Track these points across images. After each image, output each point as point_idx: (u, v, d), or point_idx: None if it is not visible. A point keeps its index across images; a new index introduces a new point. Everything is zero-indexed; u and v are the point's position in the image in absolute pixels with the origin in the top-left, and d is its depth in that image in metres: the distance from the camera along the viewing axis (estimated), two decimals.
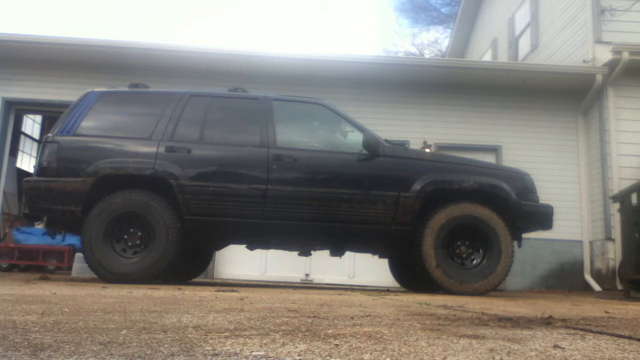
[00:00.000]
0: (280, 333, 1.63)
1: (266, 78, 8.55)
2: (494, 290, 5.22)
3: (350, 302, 3.22)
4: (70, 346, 1.29)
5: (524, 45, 11.51)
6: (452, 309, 2.89)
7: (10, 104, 8.77)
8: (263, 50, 8.64)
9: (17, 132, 12.45)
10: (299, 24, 53.46)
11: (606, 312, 3.11)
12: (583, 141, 8.71)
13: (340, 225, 4.88)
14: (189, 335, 1.52)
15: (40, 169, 4.86)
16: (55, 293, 3.14)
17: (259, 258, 8.26)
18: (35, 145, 13.84)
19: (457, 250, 4.99)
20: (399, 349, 1.39)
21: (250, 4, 52.01)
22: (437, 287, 4.86)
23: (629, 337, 1.79)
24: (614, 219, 7.53)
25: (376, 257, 5.91)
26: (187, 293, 3.52)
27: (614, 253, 7.78)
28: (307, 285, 7.66)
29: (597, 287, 7.96)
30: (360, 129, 5.12)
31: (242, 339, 1.49)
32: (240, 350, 1.30)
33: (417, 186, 4.87)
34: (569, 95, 8.72)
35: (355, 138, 5.11)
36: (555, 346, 1.51)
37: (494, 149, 8.71)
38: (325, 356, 1.26)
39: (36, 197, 4.78)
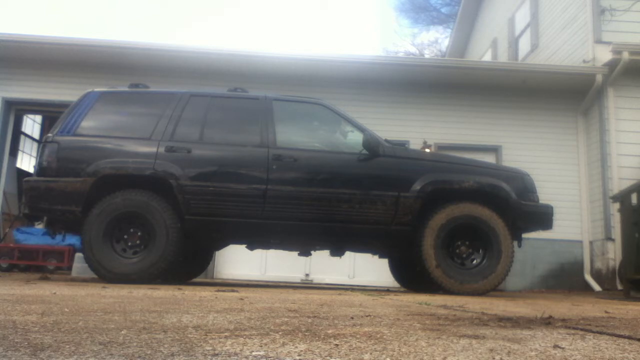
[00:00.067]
0: (280, 333, 1.63)
1: (266, 78, 8.55)
2: (494, 290, 5.22)
3: (350, 302, 3.22)
4: (70, 346, 1.29)
5: (524, 45, 11.51)
6: (452, 309, 2.89)
7: (10, 104, 8.77)
8: (263, 50, 8.64)
9: (17, 132, 12.45)
10: (299, 24, 53.49)
11: (606, 312, 3.11)
12: (583, 141, 8.71)
13: (340, 225, 4.88)
14: (189, 335, 1.52)
15: (40, 169, 4.86)
16: (55, 293, 3.14)
17: (259, 258, 8.26)
18: (35, 145, 13.84)
19: (457, 250, 4.99)
20: (399, 349, 1.39)
21: (250, 4, 52.04)
22: (437, 287, 4.86)
23: (629, 337, 1.79)
24: (614, 219, 7.54)
25: (376, 257, 5.91)
26: (187, 293, 3.52)
27: (614, 253, 7.78)
28: (307, 285, 7.66)
29: (597, 287, 7.96)
30: (360, 129, 5.12)
31: (242, 339, 1.49)
32: (240, 350, 1.30)
33: (417, 186, 4.87)
34: (569, 95, 8.72)
35: (355, 138, 5.11)
36: (555, 346, 1.51)
37: (494, 149, 8.71)
38: (325, 356, 1.26)
39: (36, 197, 4.78)
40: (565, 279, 8.31)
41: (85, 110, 5.08)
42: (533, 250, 8.05)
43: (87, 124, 5.02)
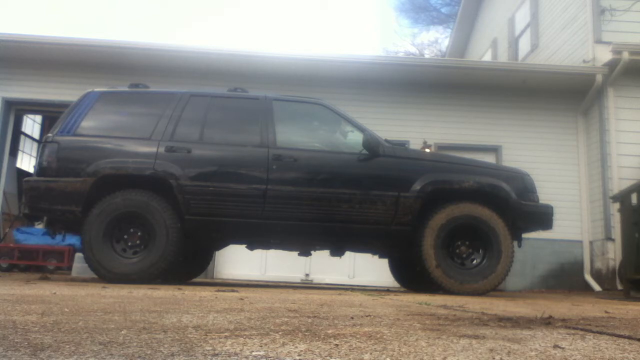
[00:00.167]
0: (280, 333, 1.63)
1: (266, 78, 8.55)
2: (494, 290, 5.22)
3: (350, 302, 3.22)
4: (70, 346, 1.29)
5: (524, 45, 11.51)
6: (452, 309, 2.89)
7: (10, 104, 8.78)
8: (263, 50, 8.64)
9: (17, 132, 12.45)
10: (299, 24, 53.49)
11: (606, 312, 3.11)
12: (583, 141, 8.71)
13: (340, 225, 4.88)
14: (189, 335, 1.52)
15: (40, 169, 4.86)
16: (55, 293, 3.14)
17: (259, 258, 8.26)
18: (35, 145, 13.84)
19: (457, 250, 4.99)
20: (399, 349, 1.39)
21: (250, 4, 52.04)
22: (437, 287, 4.86)
23: (629, 337, 1.79)
24: (614, 219, 7.53)
25: (376, 257, 5.91)
26: (187, 293, 3.52)
27: (614, 253, 7.78)
28: (307, 285, 7.66)
29: (597, 287, 7.96)
30: (360, 129, 5.12)
31: (242, 339, 1.49)
32: (240, 350, 1.30)
33: (417, 186, 4.87)
34: (569, 95, 8.72)
35: (355, 138, 5.11)
36: (555, 346, 1.51)
37: (494, 149, 8.71)
38: (325, 356, 1.26)
39: (36, 197, 4.78)
40: (565, 279, 8.31)
41: (85, 110, 5.08)
42: (533, 250, 8.05)
43: (87, 124, 5.02)
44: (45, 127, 13.00)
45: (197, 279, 6.71)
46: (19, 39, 8.36)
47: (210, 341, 1.43)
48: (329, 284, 8.01)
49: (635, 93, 8.29)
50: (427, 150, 7.72)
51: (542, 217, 5.14)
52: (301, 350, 1.33)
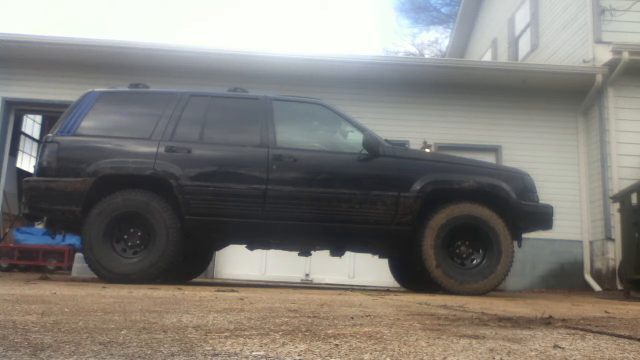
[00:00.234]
0: (280, 333, 1.63)
1: (266, 78, 8.55)
2: (494, 290, 5.22)
3: (350, 302, 3.22)
4: (70, 346, 1.29)
5: (524, 45, 11.51)
6: (452, 309, 2.89)
7: (10, 104, 8.77)
8: (263, 50, 8.64)
9: (17, 132, 12.45)
10: (299, 24, 53.49)
11: (606, 312, 3.11)
12: (583, 141, 8.71)
13: (340, 225, 4.88)
14: (189, 335, 1.52)
15: (40, 169, 4.86)
16: (55, 293, 3.14)
17: (259, 258, 8.26)
18: (35, 145, 13.84)
19: (457, 250, 4.99)
20: (399, 349, 1.39)
21: (250, 4, 52.05)
22: (437, 287, 4.86)
23: (629, 337, 1.79)
24: (614, 219, 7.53)
25: (376, 257, 5.91)
26: (187, 293, 3.52)
27: (614, 253, 7.77)
28: (307, 285, 7.66)
29: (597, 287, 7.96)
30: (360, 129, 5.11)
31: (242, 339, 1.49)
32: (240, 350, 1.30)
33: (417, 186, 4.87)
34: (569, 95, 8.72)
35: (355, 138, 5.11)
36: (555, 346, 1.51)
37: (494, 149, 8.71)
38: (325, 356, 1.26)
39: (36, 197, 4.78)
40: (565, 279, 8.31)
41: (85, 110, 5.08)
42: (533, 250, 8.05)
43: (87, 124, 5.02)
44: (45, 127, 13.00)
45: (197, 279, 6.71)
46: (19, 39, 8.36)
47: (210, 341, 1.43)
48: (329, 284, 8.01)
49: (635, 93, 8.29)
50: (427, 150, 7.72)
51: (542, 217, 5.14)
52: (301, 350, 1.33)
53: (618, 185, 7.77)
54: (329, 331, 1.71)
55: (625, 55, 7.94)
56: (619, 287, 7.29)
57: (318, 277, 8.43)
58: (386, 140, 5.15)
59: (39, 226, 9.20)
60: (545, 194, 5.98)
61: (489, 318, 2.33)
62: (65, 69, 8.62)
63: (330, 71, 8.67)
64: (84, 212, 4.70)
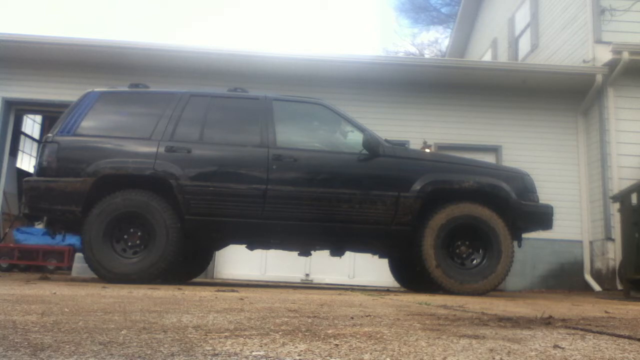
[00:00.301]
0: (280, 333, 1.63)
1: (266, 78, 8.55)
2: (494, 290, 5.22)
3: (350, 302, 3.22)
4: (70, 346, 1.29)
5: (524, 45, 11.51)
6: (452, 309, 2.89)
7: (10, 104, 8.78)
8: (263, 50, 8.64)
9: (17, 132, 12.45)
10: (299, 24, 53.49)
11: (606, 312, 3.11)
12: (583, 141, 8.71)
13: (340, 225, 4.88)
14: (189, 335, 1.52)
15: (40, 169, 4.86)
16: (55, 293, 3.14)
17: (259, 258, 8.26)
18: (35, 145, 13.84)
19: (457, 250, 4.99)
20: (399, 349, 1.39)
21: (250, 4, 52.05)
22: (437, 287, 4.86)
23: (629, 337, 1.79)
24: (614, 219, 7.53)
25: (376, 257, 5.91)
26: (187, 293, 3.52)
27: (614, 253, 7.77)
28: (307, 285, 7.66)
29: (597, 287, 7.96)
30: (360, 129, 5.11)
31: (242, 339, 1.49)
32: (240, 350, 1.30)
33: (417, 186, 4.87)
34: (569, 95, 8.72)
35: (355, 138, 5.11)
36: (555, 346, 1.51)
37: (494, 149, 8.71)
38: (325, 356, 1.26)
39: (36, 197, 4.78)
40: (565, 279, 8.31)
41: (85, 110, 5.08)
42: (533, 250, 8.05)
43: (87, 124, 5.02)
44: (45, 127, 13.00)
45: (197, 279, 6.71)
46: (19, 39, 8.36)
47: (210, 341, 1.43)
48: (329, 284, 8.01)
49: (635, 93, 8.29)
50: (427, 150, 7.72)
51: (542, 217, 5.14)
52: (301, 350, 1.33)
53: (618, 185, 7.77)
54: (329, 331, 1.71)
55: (625, 55, 7.94)
56: (619, 287, 7.29)
57: (318, 277, 8.43)
58: (386, 140, 5.15)
59: (39, 226, 9.20)
60: (545, 194, 5.98)
61: (489, 318, 2.33)
62: (65, 69, 8.62)
63: (330, 71, 8.67)
64: (84, 212, 4.70)
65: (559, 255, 8.35)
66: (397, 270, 6.05)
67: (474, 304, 3.33)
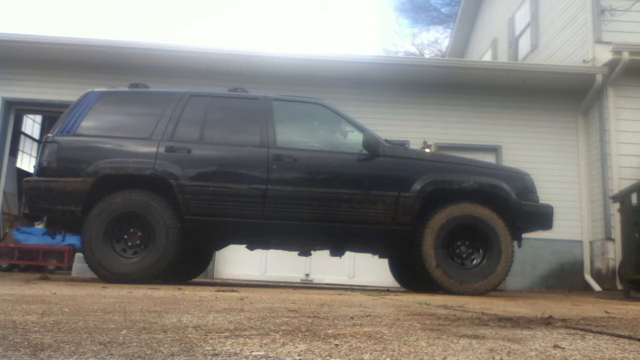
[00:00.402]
0: (280, 333, 1.63)
1: (266, 78, 8.55)
2: (494, 290, 5.22)
3: (350, 302, 3.22)
4: (70, 346, 1.29)
5: (524, 45, 11.51)
6: (452, 309, 2.89)
7: (10, 104, 8.77)
8: (263, 50, 8.64)
9: (17, 132, 12.45)
10: (299, 24, 53.50)
11: (606, 312, 3.11)
12: (583, 141, 8.71)
13: (340, 225, 4.88)
14: (189, 335, 1.52)
15: (40, 169, 4.86)
16: (55, 293, 3.14)
17: (259, 258, 8.26)
18: (35, 145, 13.84)
19: (457, 250, 4.99)
20: (399, 349, 1.39)
21: (250, 4, 52.06)
22: (437, 287, 4.86)
23: (629, 337, 1.79)
24: (614, 219, 7.53)
25: (376, 257, 5.91)
26: (187, 293, 3.52)
27: (614, 253, 7.77)
28: (307, 285, 7.66)
29: (597, 287, 7.96)
30: (360, 129, 5.11)
31: (242, 339, 1.49)
32: (240, 350, 1.30)
33: (417, 186, 4.87)
34: (569, 95, 8.72)
35: (355, 138, 5.11)
36: (555, 346, 1.51)
37: (494, 149, 8.71)
38: (325, 356, 1.26)
39: (36, 197, 4.78)
40: (565, 279, 8.31)
41: (85, 110, 5.08)
42: (533, 250, 8.05)
43: (87, 124, 5.02)
44: (45, 127, 13.00)
45: (197, 279, 6.71)
46: (19, 39, 8.36)
47: (210, 341, 1.43)
48: (329, 284, 8.01)
49: (635, 93, 8.29)
50: (427, 150, 7.72)
51: (542, 217, 5.14)
52: (301, 350, 1.33)
53: (618, 185, 7.77)
54: (329, 331, 1.71)
55: (625, 55, 7.94)
56: (619, 287, 7.29)
57: (318, 277, 8.43)
58: (386, 140, 5.15)
59: (39, 226, 9.20)
60: (545, 194, 5.98)
61: (489, 318, 2.33)
62: (65, 69, 8.62)
63: (330, 71, 8.67)
64: (84, 212, 4.70)
65: (559, 255, 8.35)
66: (397, 270, 6.05)
67: (474, 304, 3.33)
